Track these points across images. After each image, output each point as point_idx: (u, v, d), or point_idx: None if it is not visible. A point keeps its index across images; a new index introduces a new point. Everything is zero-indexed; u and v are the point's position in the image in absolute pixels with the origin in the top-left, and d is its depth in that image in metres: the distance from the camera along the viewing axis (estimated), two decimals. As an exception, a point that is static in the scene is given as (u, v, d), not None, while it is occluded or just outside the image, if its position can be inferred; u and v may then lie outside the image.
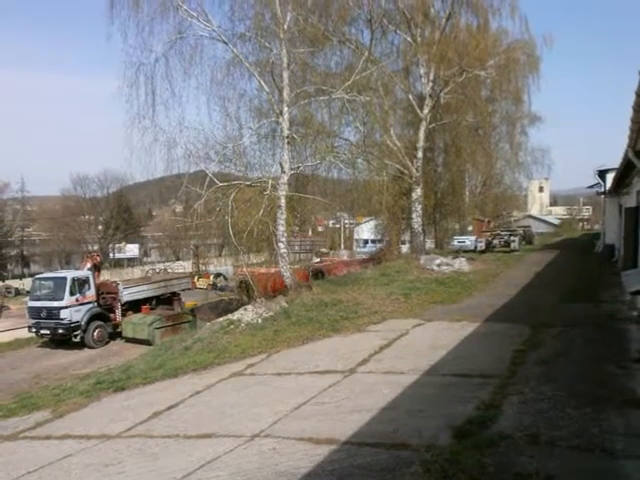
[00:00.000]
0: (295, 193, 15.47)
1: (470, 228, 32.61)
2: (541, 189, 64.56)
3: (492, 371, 6.65)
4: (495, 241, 28.04)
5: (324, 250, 30.45)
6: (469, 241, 28.13)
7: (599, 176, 23.07)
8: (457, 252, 24.64)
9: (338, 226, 36.48)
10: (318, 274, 21.88)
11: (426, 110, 21.74)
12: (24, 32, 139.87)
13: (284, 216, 14.26)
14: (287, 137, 14.26)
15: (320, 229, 27.44)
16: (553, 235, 44.41)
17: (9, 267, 51.78)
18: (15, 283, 40.90)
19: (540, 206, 63.96)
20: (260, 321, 11.58)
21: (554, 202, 75.22)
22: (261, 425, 5.71)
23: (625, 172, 14.72)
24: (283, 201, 14.22)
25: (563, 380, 6.13)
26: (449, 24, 20.83)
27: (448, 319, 10.31)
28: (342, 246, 36.31)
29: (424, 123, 21.78)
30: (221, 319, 12.46)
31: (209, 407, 6.89)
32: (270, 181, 14.38)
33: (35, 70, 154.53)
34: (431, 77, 21.50)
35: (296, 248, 24.44)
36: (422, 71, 21.98)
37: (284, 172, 14.29)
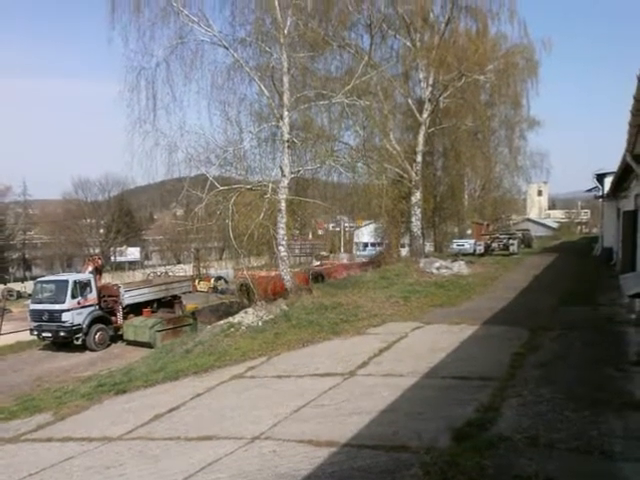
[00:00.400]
0: (295, 197, 15.53)
1: (469, 231, 32.66)
2: (540, 193, 64.74)
3: (491, 374, 6.67)
4: (494, 244, 28.13)
5: (324, 253, 30.52)
6: (468, 244, 28.21)
7: (597, 180, 23.16)
8: (456, 255, 24.67)
9: (338, 229, 36.50)
10: (318, 277, 21.91)
11: (425, 114, 21.83)
12: (24, 35, 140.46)
13: (284, 219, 14.32)
14: (287, 141, 14.34)
15: (320, 232, 27.52)
16: (552, 238, 44.49)
17: (11, 270, 51.83)
18: (17, 286, 40.88)
19: (539, 210, 64.14)
20: (260, 324, 11.63)
21: (553, 206, 75.23)
22: (261, 427, 5.75)
23: (623, 176, 14.78)
24: (283, 205, 14.28)
25: (562, 383, 6.16)
26: (448, 29, 20.97)
27: (447, 322, 10.40)
28: (342, 249, 36.29)
29: (423, 127, 21.87)
30: (222, 322, 12.51)
31: (210, 409, 6.93)
32: (270, 185, 14.44)
33: (36, 73, 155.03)
34: (430, 82, 21.60)
35: (296, 251, 24.50)
36: (421, 75, 22.08)
37: (284, 176, 14.36)
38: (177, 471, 4.93)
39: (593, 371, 6.60)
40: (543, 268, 20.47)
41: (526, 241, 33.04)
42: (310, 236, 27.31)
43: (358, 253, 37.83)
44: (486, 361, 7.36)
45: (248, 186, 14.64)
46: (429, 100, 21.82)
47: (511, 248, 27.40)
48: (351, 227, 38.53)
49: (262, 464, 4.80)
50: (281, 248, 14.39)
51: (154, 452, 5.61)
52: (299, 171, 15.47)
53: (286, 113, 14.31)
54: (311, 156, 15.56)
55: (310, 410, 6.22)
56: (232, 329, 11.50)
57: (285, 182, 14.38)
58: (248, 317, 12.07)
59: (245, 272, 15.32)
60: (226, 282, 30.83)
